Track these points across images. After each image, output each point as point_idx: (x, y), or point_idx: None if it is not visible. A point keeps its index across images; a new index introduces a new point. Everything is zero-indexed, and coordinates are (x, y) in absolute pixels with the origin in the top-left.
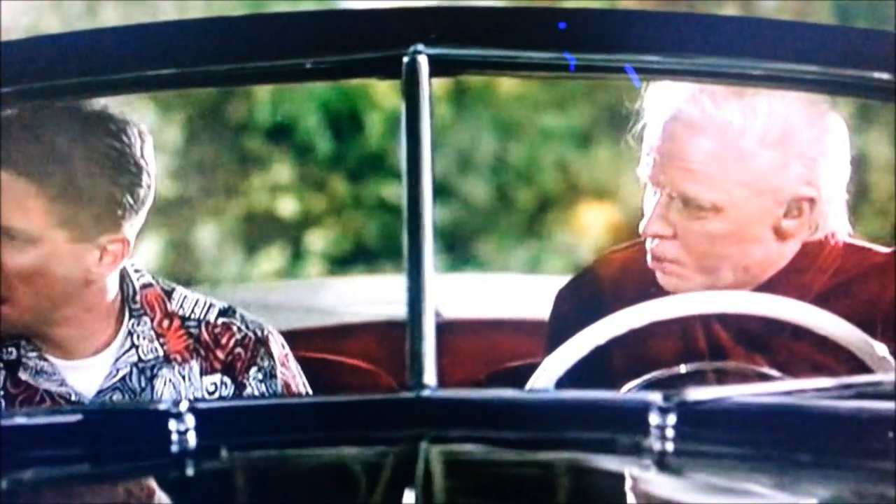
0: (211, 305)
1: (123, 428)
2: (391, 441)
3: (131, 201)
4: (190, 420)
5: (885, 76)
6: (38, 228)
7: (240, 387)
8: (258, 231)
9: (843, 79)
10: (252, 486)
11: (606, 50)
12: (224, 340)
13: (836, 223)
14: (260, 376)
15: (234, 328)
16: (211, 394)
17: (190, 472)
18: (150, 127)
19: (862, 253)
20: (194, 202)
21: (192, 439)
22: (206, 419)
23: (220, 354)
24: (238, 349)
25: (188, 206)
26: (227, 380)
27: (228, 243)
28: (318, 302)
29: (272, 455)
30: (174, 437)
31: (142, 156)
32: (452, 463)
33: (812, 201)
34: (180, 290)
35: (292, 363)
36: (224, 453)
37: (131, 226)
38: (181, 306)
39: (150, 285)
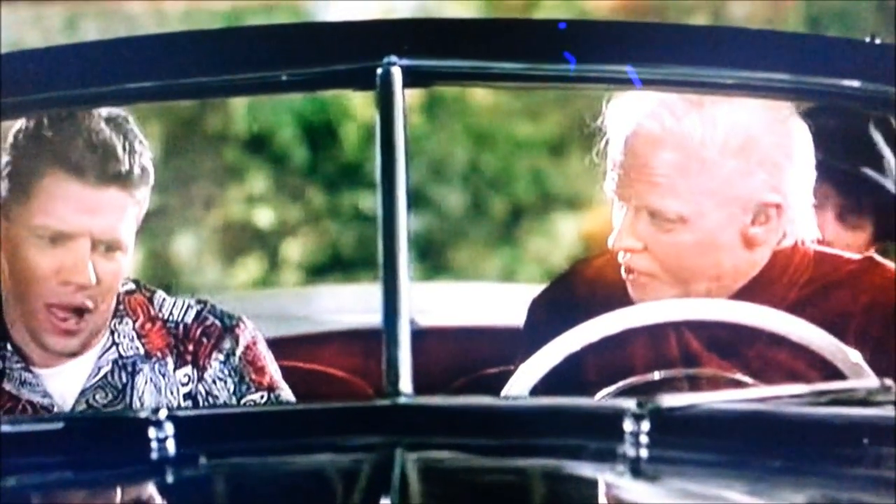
0: (189, 307)
1: (103, 436)
2: (367, 448)
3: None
4: (169, 428)
5: (855, 84)
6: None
7: (201, 370)
8: (235, 241)
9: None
10: (230, 493)
11: (583, 60)
12: (193, 333)
13: (804, 229)
14: (221, 357)
15: (206, 321)
16: (184, 385)
17: (169, 479)
18: None
19: (833, 260)
20: (172, 213)
21: (171, 447)
22: (185, 427)
23: (191, 347)
24: (203, 338)
25: (166, 217)
26: (194, 369)
27: (206, 253)
28: (294, 311)
29: (250, 462)
30: (153, 444)
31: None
32: (428, 470)
33: (779, 207)
34: (160, 294)
35: (262, 347)
36: (202, 460)
37: None
38: (161, 309)
39: (134, 292)
